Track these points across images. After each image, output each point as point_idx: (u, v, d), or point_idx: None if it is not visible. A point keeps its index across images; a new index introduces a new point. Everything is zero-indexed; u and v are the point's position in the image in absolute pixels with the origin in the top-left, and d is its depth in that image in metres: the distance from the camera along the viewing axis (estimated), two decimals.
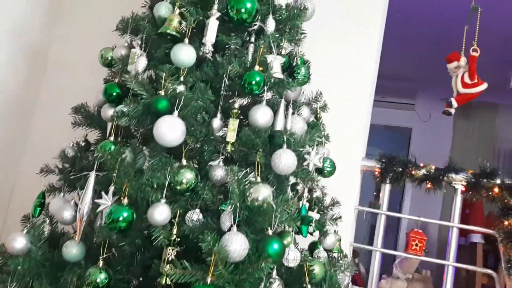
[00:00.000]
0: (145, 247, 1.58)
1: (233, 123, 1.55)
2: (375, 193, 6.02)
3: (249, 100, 1.70)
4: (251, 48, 1.66)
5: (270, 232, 1.37)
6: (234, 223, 1.35)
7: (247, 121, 1.71)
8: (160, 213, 1.41)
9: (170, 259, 1.40)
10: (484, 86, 2.44)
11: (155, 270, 1.45)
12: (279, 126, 1.64)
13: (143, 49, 1.66)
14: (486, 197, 2.48)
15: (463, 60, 2.46)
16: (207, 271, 1.24)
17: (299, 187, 1.67)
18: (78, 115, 1.84)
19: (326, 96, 2.56)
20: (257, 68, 1.56)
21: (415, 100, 6.85)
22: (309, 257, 1.69)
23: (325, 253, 1.78)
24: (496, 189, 2.45)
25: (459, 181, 2.54)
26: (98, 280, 1.42)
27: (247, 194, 1.41)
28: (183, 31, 1.60)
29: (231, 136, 1.54)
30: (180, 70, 1.58)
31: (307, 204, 1.68)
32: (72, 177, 1.67)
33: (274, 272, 1.42)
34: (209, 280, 1.23)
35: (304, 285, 1.52)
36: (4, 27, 2.73)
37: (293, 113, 1.73)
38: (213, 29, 1.57)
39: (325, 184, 1.99)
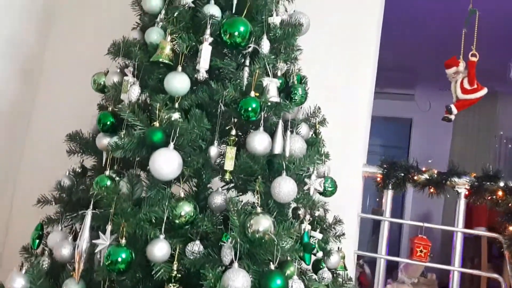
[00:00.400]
0: (147, 278, 1.56)
1: (231, 151, 1.51)
2: (377, 199, 5.99)
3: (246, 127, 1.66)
4: (246, 71, 1.62)
5: (272, 266, 1.34)
6: (236, 258, 1.33)
7: (244, 139, 1.68)
8: (160, 249, 1.39)
9: None
10: (483, 91, 2.41)
11: None
12: (277, 149, 1.61)
13: (135, 76, 1.62)
14: (490, 201, 2.45)
15: (462, 66, 2.42)
16: None
17: (301, 212, 1.64)
18: (72, 142, 1.81)
19: (324, 102, 2.54)
20: (253, 94, 1.52)
21: (415, 91, 6.81)
22: (314, 280, 1.68)
23: (329, 273, 1.76)
24: (500, 192, 2.43)
25: (462, 185, 2.52)
26: None
27: (248, 225, 1.39)
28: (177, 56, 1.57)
29: (229, 165, 1.51)
30: (175, 98, 1.55)
31: (309, 227, 1.64)
32: (68, 214, 1.64)
33: None
34: None
35: None
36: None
37: (291, 131, 1.70)
38: (206, 55, 1.53)
39: None
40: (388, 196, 2.61)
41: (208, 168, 1.63)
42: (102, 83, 1.79)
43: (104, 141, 1.66)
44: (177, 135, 1.45)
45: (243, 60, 1.67)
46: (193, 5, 1.63)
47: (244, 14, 1.62)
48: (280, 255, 1.36)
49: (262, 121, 1.55)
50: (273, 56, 1.63)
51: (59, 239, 1.59)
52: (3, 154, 2.82)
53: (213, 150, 1.55)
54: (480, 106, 6.16)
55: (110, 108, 1.67)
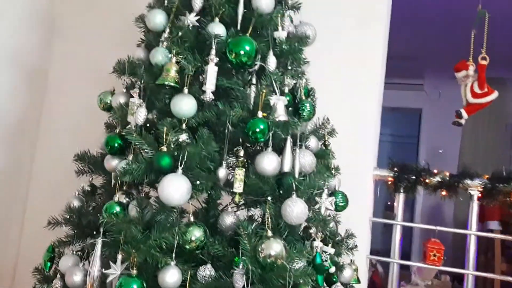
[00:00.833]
0: None
1: (240, 173, 1.50)
2: (389, 203, 5.94)
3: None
4: (253, 90, 1.60)
5: None
6: (248, 285, 1.32)
7: (252, 155, 1.67)
8: (171, 276, 1.38)
9: None
10: (494, 95, 2.36)
11: None
12: (286, 167, 1.59)
13: (141, 97, 1.61)
14: (503, 203, 2.42)
15: (471, 69, 2.37)
16: None
17: (312, 231, 1.62)
18: (81, 163, 1.80)
19: (333, 104, 2.52)
20: (260, 114, 1.50)
21: (424, 80, 6.74)
22: None
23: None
24: None
25: (475, 187, 2.48)
26: None
27: (259, 249, 1.37)
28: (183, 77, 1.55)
29: (239, 187, 1.49)
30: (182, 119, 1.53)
31: (321, 245, 1.63)
32: (79, 238, 1.63)
33: None
34: None
35: None
36: (2, 51, 2.69)
37: (300, 146, 1.68)
38: (212, 76, 1.51)
39: None
40: (400, 199, 2.59)
41: (217, 187, 1.61)
42: (108, 102, 1.78)
43: (112, 163, 1.65)
44: (185, 159, 1.44)
45: (249, 77, 1.64)
46: (197, 24, 1.61)
47: (249, 31, 1.59)
48: (292, 280, 1.35)
49: (270, 141, 1.52)
50: (280, 73, 1.61)
51: (70, 264, 1.60)
52: (12, 174, 2.82)
53: (222, 172, 1.53)
54: None
55: (117, 130, 1.66)
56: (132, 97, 1.61)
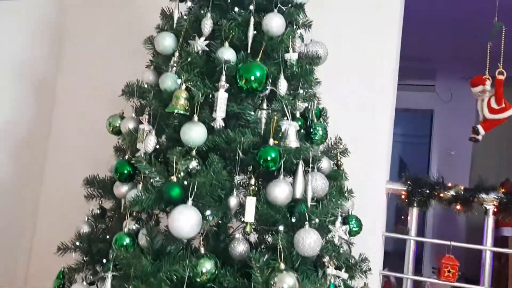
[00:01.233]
0: None
1: (251, 202, 1.47)
2: (403, 217, 5.88)
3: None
4: (263, 114, 1.57)
5: None
6: None
7: (263, 180, 1.64)
8: None
9: None
10: None
11: None
12: (298, 193, 1.55)
13: (150, 122, 1.58)
14: None
15: (488, 84, 2.32)
16: None
17: (325, 259, 1.59)
18: (90, 187, 1.78)
19: (345, 117, 2.48)
20: (271, 142, 1.47)
21: (435, 81, 6.66)
22: None
23: None
24: None
25: (490, 202, 2.43)
26: None
27: (271, 283, 1.35)
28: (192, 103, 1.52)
29: (250, 217, 1.46)
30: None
31: (335, 272, 1.60)
32: (89, 265, 1.62)
33: None
34: None
35: None
36: (11, 64, 2.68)
37: (312, 168, 1.64)
38: (222, 104, 1.48)
39: None
40: (413, 214, 2.54)
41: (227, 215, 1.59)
42: (117, 125, 1.76)
43: (121, 189, 1.63)
44: (196, 187, 1.41)
45: (260, 102, 1.61)
46: (207, 49, 1.58)
47: (259, 55, 1.56)
48: None
49: (282, 169, 1.49)
50: (291, 98, 1.58)
51: None
52: (21, 196, 2.82)
53: (233, 201, 1.50)
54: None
55: (126, 157, 1.63)
56: (141, 122, 1.58)
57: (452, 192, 2.49)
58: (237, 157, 1.52)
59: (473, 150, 6.15)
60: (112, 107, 1.88)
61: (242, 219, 1.49)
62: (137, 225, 1.60)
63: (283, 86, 1.57)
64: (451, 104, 6.41)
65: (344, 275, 1.69)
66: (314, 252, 1.43)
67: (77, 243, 1.68)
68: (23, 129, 2.77)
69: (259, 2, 1.64)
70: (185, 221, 1.35)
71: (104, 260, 1.56)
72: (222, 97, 1.48)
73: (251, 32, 1.57)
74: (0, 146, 2.64)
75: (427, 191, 2.52)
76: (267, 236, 1.61)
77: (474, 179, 6.05)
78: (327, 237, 1.56)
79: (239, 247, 1.54)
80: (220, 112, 1.48)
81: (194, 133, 1.46)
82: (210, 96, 1.54)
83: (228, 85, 1.50)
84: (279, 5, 1.63)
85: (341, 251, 1.55)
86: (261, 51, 1.55)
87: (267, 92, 1.57)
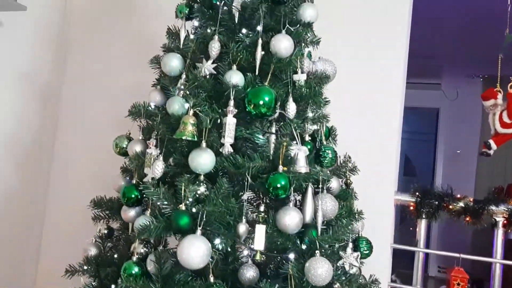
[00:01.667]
0: None
1: (260, 229, 1.45)
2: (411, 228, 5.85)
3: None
4: (272, 139, 1.55)
5: None
6: None
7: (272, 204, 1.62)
8: None
9: None
10: None
11: None
12: (308, 218, 1.54)
13: (158, 147, 1.56)
14: None
15: (500, 97, 2.28)
16: None
17: (336, 286, 1.57)
18: (97, 208, 1.77)
19: (353, 125, 2.46)
20: (281, 168, 1.45)
21: (441, 80, 6.63)
22: None
23: None
24: None
25: (500, 214, 2.41)
26: None
27: None
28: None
29: (259, 245, 1.44)
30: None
31: None
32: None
33: None
34: None
35: None
36: (16, 74, 2.66)
37: (321, 190, 1.62)
38: (231, 130, 1.46)
39: None
40: (422, 226, 2.52)
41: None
42: (124, 147, 1.74)
43: (129, 214, 1.62)
44: (205, 215, 1.40)
45: (268, 126, 1.59)
46: (214, 72, 1.56)
47: (268, 78, 1.53)
48: None
49: (292, 196, 1.47)
50: (300, 121, 1.55)
51: None
52: (26, 217, 2.81)
53: (242, 228, 1.47)
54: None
55: (134, 181, 1.62)
56: (148, 146, 1.56)
57: (461, 204, 2.47)
58: (246, 183, 1.50)
59: (479, 149, 6.11)
60: (118, 119, 1.88)
61: (252, 246, 1.48)
62: (145, 249, 1.59)
63: (291, 109, 1.54)
64: (457, 102, 6.38)
65: None
66: (326, 282, 1.41)
67: (85, 267, 1.66)
68: (27, 140, 2.75)
69: (266, 23, 1.61)
70: (195, 252, 1.33)
71: (113, 287, 1.54)
72: (230, 122, 1.46)
73: (259, 54, 1.55)
74: (4, 157, 2.62)
75: (436, 202, 2.50)
76: (276, 262, 1.59)
77: (480, 179, 6.00)
78: (338, 266, 1.54)
79: (248, 273, 1.52)
80: (228, 138, 1.46)
81: (203, 160, 1.44)
82: (219, 120, 1.51)
83: (236, 110, 1.47)
84: (287, 25, 1.60)
85: (352, 279, 1.52)
86: (269, 75, 1.53)
87: (275, 115, 1.55)
